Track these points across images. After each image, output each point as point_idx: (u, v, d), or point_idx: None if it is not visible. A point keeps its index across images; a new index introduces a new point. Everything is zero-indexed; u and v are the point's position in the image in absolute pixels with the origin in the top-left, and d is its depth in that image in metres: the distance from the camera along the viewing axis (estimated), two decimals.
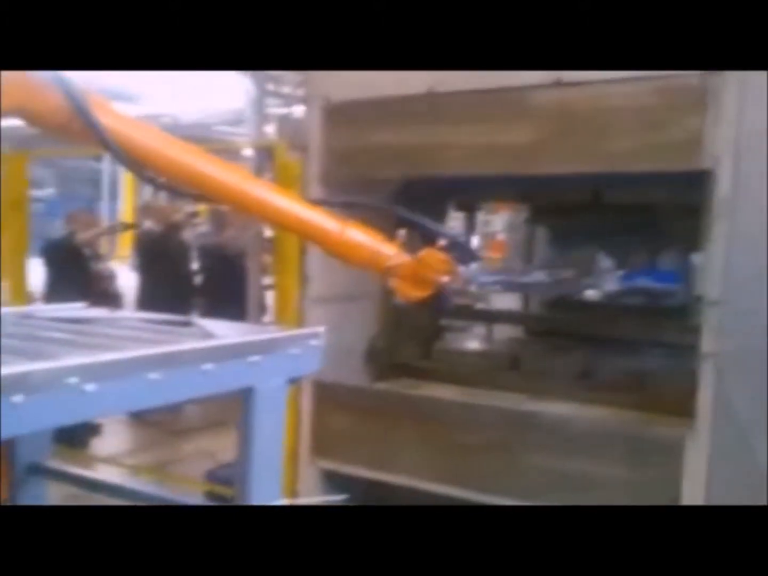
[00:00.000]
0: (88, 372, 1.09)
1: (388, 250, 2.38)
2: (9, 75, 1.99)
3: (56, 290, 6.04)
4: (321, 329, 1.47)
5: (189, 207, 7.79)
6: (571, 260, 4.88)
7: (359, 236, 2.38)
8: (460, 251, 2.65)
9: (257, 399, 1.37)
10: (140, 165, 2.16)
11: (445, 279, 2.48)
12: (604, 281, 5.20)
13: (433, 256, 2.42)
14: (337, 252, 2.43)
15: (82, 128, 2.05)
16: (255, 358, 1.34)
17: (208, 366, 1.25)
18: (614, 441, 2.77)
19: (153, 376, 1.17)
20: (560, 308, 4.71)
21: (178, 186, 2.32)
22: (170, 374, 1.19)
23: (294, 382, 1.45)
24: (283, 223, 2.42)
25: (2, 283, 5.03)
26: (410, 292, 2.45)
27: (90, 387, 1.09)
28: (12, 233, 5.00)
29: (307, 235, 2.47)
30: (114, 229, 8.53)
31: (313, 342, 1.47)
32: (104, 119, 2.08)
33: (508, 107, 2.88)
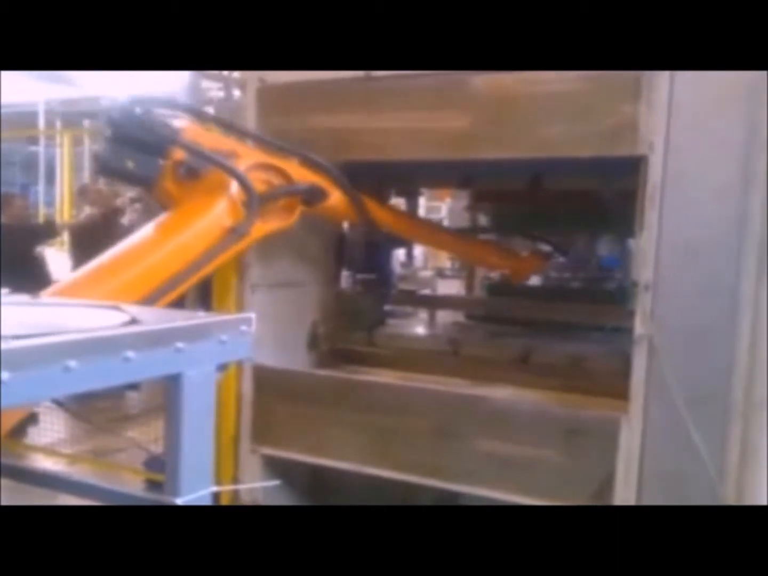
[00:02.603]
0: (2, 359, 1.05)
1: (508, 258, 4.42)
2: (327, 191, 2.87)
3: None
4: (251, 315, 1.44)
5: (130, 192, 7.59)
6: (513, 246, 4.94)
7: (497, 258, 4.37)
8: (560, 252, 4.95)
9: (185, 386, 1.34)
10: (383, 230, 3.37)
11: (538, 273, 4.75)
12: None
13: (536, 258, 4.58)
14: (478, 263, 4.78)
15: (358, 216, 3.10)
16: (182, 344, 1.31)
17: (131, 353, 1.21)
18: (552, 424, 2.81)
19: (71, 363, 1.13)
20: (501, 293, 4.76)
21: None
22: (90, 361, 1.15)
23: (223, 369, 1.43)
24: (455, 252, 5.11)
25: None
26: (517, 279, 4.46)
27: (4, 375, 1.05)
28: None
29: (466, 258, 4.96)
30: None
31: (244, 327, 1.44)
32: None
33: (446, 91, 2.88)
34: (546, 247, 4.97)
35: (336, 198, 2.96)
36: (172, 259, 2.37)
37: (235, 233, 2.50)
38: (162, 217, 2.58)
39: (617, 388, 2.81)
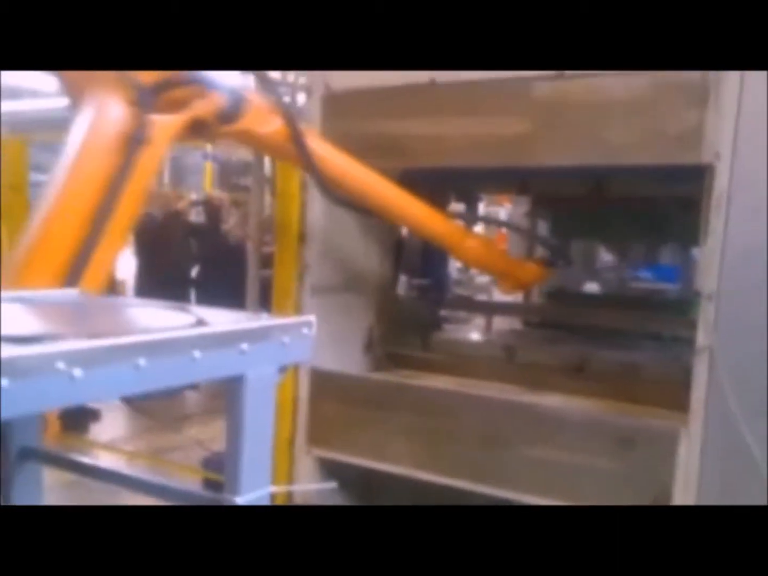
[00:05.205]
0: (75, 357, 1.09)
1: (502, 258, 3.63)
2: (251, 100, 2.44)
3: None
4: (312, 318, 1.47)
5: (192, 195, 7.76)
6: (572, 252, 4.89)
7: (483, 248, 3.39)
8: (561, 256, 4.09)
9: (247, 387, 1.37)
10: (331, 185, 2.86)
11: (538, 282, 3.89)
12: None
13: (534, 265, 3.77)
14: (464, 257, 3.50)
15: (294, 152, 2.61)
16: (245, 345, 1.34)
17: (197, 353, 1.25)
18: (607, 433, 2.78)
19: (141, 362, 1.17)
20: (559, 300, 4.71)
21: (360, 203, 3.07)
22: (158, 361, 1.19)
23: (284, 370, 1.45)
24: (428, 234, 3.35)
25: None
26: (509, 288, 3.76)
27: (77, 372, 1.09)
28: (12, 217, 5.03)
29: (442, 244, 3.43)
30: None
31: (305, 330, 1.46)
32: (312, 145, 2.65)
33: (508, 98, 2.87)
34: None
35: (276, 129, 2.58)
36: (83, 195, 2.03)
37: (135, 141, 2.10)
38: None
39: (674, 399, 2.76)
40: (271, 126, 2.56)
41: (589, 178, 3.67)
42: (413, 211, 3.13)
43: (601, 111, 2.71)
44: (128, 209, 2.12)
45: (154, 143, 2.14)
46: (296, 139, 2.59)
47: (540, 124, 2.84)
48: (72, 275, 1.97)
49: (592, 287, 5.36)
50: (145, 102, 2.13)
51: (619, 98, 2.67)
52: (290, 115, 2.58)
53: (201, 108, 2.31)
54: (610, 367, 3.46)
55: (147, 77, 2.17)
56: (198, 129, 2.38)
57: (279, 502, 3.34)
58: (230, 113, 2.40)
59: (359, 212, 3.20)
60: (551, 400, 3.17)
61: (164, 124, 2.21)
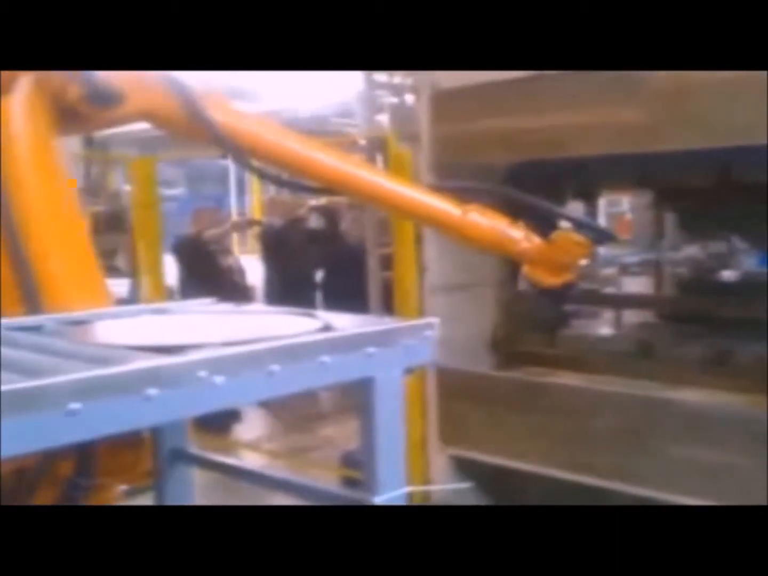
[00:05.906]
0: (216, 365, 1.16)
1: (516, 234, 2.61)
2: (134, 80, 2.13)
3: (188, 286, 6.39)
4: (435, 320, 1.49)
5: (313, 201, 7.97)
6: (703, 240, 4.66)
7: (482, 220, 2.57)
8: (591, 232, 2.76)
9: (376, 389, 1.40)
10: (251, 157, 2.43)
11: (582, 262, 2.67)
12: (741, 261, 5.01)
13: (567, 238, 2.59)
14: (461, 236, 2.66)
15: (200, 127, 2.23)
16: (372, 349, 1.38)
17: (327, 358, 1.29)
18: (754, 429, 2.64)
19: (275, 368, 1.22)
20: (694, 291, 4.49)
21: (290, 177, 2.64)
22: (291, 367, 1.24)
23: (409, 372, 1.47)
24: (402, 209, 2.66)
25: (142, 280, 5.41)
26: (544, 279, 2.65)
27: (218, 379, 1.16)
28: (146, 232, 5.36)
29: (427, 220, 2.70)
30: (241, 226, 8.91)
31: (427, 332, 1.49)
32: (220, 117, 2.27)
33: (621, 84, 2.78)
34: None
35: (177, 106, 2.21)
36: None
37: None
38: None
39: None
40: (173, 105, 2.21)
41: (716, 163, 3.48)
42: (366, 182, 2.46)
43: (724, 90, 2.57)
44: (43, 207, 1.86)
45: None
46: (192, 110, 2.20)
47: (657, 108, 2.73)
48: (26, 293, 1.77)
49: (727, 276, 5.08)
50: None
51: (743, 75, 2.53)
52: (181, 87, 2.20)
53: (40, 80, 1.93)
54: (754, 360, 3.27)
55: None
56: (74, 115, 2.02)
57: (416, 501, 3.39)
58: (103, 94, 2.01)
59: (295, 189, 2.85)
60: (692, 396, 3.04)
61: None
